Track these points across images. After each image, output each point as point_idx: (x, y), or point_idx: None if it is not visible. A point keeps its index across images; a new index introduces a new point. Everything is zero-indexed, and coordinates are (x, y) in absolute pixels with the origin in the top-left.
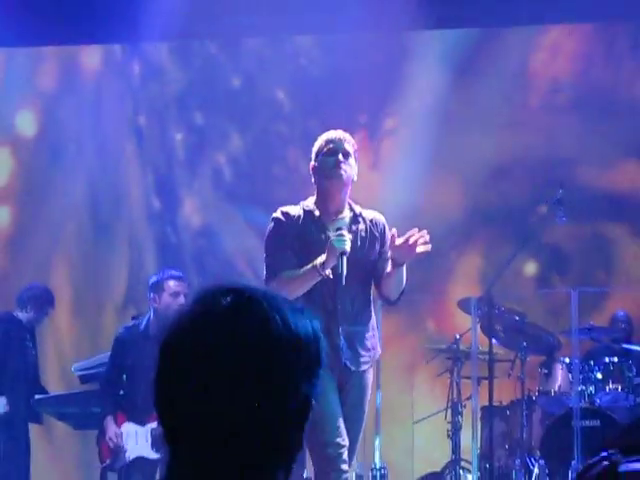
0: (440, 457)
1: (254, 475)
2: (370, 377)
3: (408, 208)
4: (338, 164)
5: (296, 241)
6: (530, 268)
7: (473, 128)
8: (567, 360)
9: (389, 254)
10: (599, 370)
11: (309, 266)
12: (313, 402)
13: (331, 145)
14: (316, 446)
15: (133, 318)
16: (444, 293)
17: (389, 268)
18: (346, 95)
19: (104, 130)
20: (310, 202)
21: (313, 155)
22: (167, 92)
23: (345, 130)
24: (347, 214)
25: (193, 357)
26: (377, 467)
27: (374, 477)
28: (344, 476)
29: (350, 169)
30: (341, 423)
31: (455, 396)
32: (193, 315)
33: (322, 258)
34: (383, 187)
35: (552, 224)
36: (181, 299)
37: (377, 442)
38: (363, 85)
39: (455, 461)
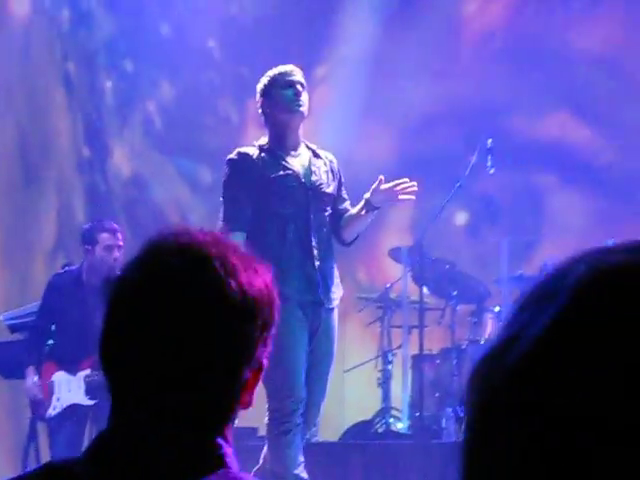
0: (371, 405)
1: (197, 433)
2: (337, 316)
3: (339, 156)
4: (297, 97)
5: (256, 181)
6: (461, 217)
7: (405, 76)
8: (497, 309)
9: (345, 193)
10: None
11: None
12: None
13: (287, 78)
14: (277, 395)
15: (64, 266)
16: (375, 243)
17: (361, 211)
18: (276, 43)
19: (33, 77)
20: (264, 141)
21: (263, 90)
22: (97, 39)
23: None
24: (304, 151)
25: (142, 317)
26: None
27: None
28: (297, 429)
29: (306, 102)
30: (302, 376)
31: (386, 345)
32: (141, 275)
33: None
34: (314, 135)
35: (482, 173)
36: (115, 253)
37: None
38: (294, 33)
39: (385, 409)
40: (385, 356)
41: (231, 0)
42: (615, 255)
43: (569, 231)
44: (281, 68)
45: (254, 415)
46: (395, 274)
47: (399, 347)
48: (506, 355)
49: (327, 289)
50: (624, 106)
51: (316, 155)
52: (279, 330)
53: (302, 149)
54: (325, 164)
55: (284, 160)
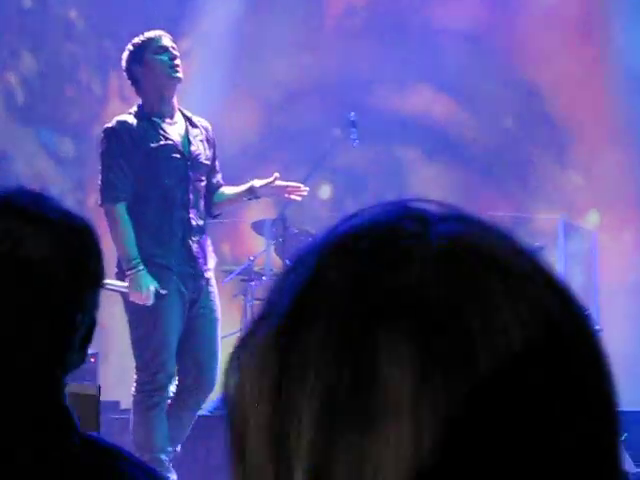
0: None
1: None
2: (216, 284)
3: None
4: (173, 61)
5: (136, 150)
6: (324, 190)
7: (268, 50)
8: None
9: (217, 165)
10: None
11: (132, 259)
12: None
13: (159, 43)
14: (147, 368)
15: None
16: (238, 215)
17: (242, 195)
18: (139, 15)
19: None
20: (138, 108)
21: (133, 56)
22: None
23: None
24: (180, 119)
25: None
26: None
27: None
28: (165, 404)
29: (181, 66)
30: (173, 352)
31: (249, 317)
32: None
33: (137, 273)
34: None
35: (346, 147)
36: None
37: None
38: (157, 6)
39: None
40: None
41: None
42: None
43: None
44: (150, 34)
45: (117, 389)
46: (259, 247)
47: None
48: (256, 333)
49: (205, 260)
50: (486, 81)
51: (192, 123)
52: (156, 305)
53: (178, 117)
54: (201, 132)
55: (162, 129)
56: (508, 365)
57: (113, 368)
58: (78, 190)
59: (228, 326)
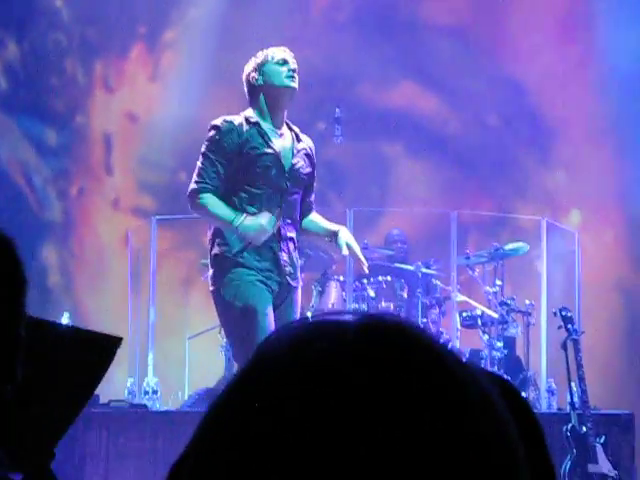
0: (214, 372)
1: None
2: (299, 298)
3: (186, 121)
4: (292, 74)
5: (238, 153)
6: None
7: (252, 42)
8: (341, 278)
9: (314, 185)
10: (372, 288)
11: (232, 218)
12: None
13: (282, 55)
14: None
15: None
16: None
17: (324, 235)
18: (125, 5)
19: None
20: (251, 113)
21: (257, 65)
22: None
23: (124, 42)
24: (287, 132)
25: None
26: (150, 382)
27: (146, 392)
28: None
29: (297, 80)
30: None
31: None
32: None
33: (244, 220)
34: (162, 99)
35: (329, 142)
36: None
37: (150, 357)
38: None
39: (228, 377)
40: None
41: None
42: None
43: (414, 201)
44: (274, 48)
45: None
46: None
47: None
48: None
49: (293, 269)
50: (470, 78)
51: (298, 138)
52: (249, 299)
53: (285, 129)
54: (305, 148)
55: (268, 138)
56: None
57: None
58: (60, 180)
59: (207, 320)
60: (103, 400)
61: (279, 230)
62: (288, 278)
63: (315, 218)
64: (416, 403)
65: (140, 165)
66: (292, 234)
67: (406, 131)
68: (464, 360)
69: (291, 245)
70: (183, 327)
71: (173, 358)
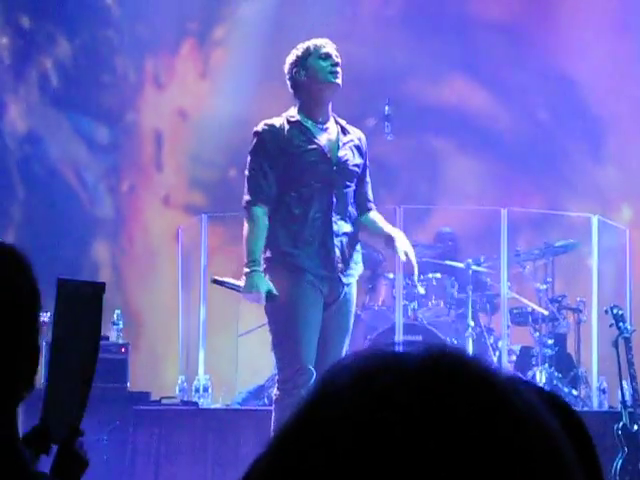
0: (264, 370)
1: None
2: (355, 292)
3: (237, 117)
4: (335, 67)
5: (281, 154)
6: None
7: (303, 39)
8: (391, 276)
9: (368, 176)
10: (422, 286)
11: (249, 261)
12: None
13: (324, 49)
14: (288, 367)
15: None
16: None
17: (382, 236)
18: (175, 2)
19: None
20: (293, 112)
21: (297, 60)
22: None
23: (175, 39)
24: (332, 125)
25: None
26: (201, 379)
27: (197, 389)
28: None
29: (341, 74)
30: (313, 350)
31: None
32: None
33: (253, 275)
34: (212, 96)
35: (380, 139)
36: None
37: (201, 354)
38: None
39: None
40: None
41: None
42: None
43: (464, 198)
44: (316, 40)
45: (147, 380)
46: None
47: None
48: None
49: (346, 265)
50: (521, 73)
51: (344, 130)
52: (294, 303)
53: (331, 123)
54: (353, 140)
55: (311, 134)
56: None
57: (143, 359)
58: (111, 176)
59: (258, 317)
60: (154, 397)
61: (331, 226)
62: (340, 275)
63: (375, 218)
64: (480, 447)
65: (190, 162)
66: (346, 229)
67: (456, 127)
68: (524, 389)
69: (344, 240)
70: (234, 324)
71: (224, 355)
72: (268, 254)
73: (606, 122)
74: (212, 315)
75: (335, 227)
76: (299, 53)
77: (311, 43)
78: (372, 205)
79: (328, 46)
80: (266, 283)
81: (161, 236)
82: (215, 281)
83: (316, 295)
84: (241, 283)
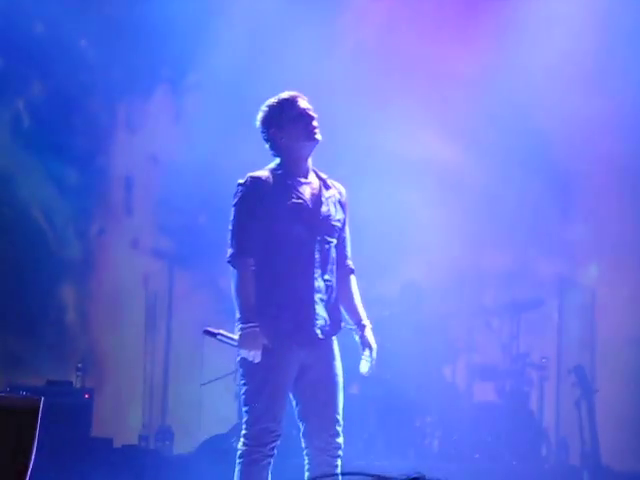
0: (228, 418)
1: None
2: (336, 347)
3: (208, 164)
4: (313, 126)
5: (266, 207)
6: None
7: (278, 87)
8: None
9: (347, 232)
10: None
11: (240, 317)
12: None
13: (297, 106)
14: (255, 424)
15: None
16: None
17: (358, 318)
18: (150, 47)
19: None
20: (275, 165)
21: (271, 120)
22: None
23: (148, 83)
24: (314, 179)
25: None
26: (162, 427)
27: (158, 438)
28: (267, 461)
29: (318, 127)
30: (283, 411)
31: None
32: None
33: (245, 334)
34: (184, 142)
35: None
36: None
37: (165, 402)
38: (169, 36)
39: (241, 424)
40: None
41: (105, 0)
42: None
43: (434, 251)
44: (286, 95)
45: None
46: None
47: None
48: None
49: (327, 322)
50: (497, 127)
51: (326, 185)
52: (270, 363)
53: (312, 177)
54: (334, 195)
55: (295, 188)
56: None
57: (107, 405)
58: (80, 219)
59: (223, 364)
60: (116, 444)
61: (313, 281)
62: (320, 333)
63: (352, 289)
64: None
65: (160, 206)
66: (328, 285)
67: (427, 178)
68: None
69: (325, 297)
70: (198, 371)
71: (188, 404)
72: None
73: (577, 178)
74: (176, 362)
75: (316, 283)
76: (272, 112)
77: (282, 99)
78: (350, 264)
79: (300, 101)
80: (263, 338)
81: (129, 280)
82: (208, 332)
83: (293, 356)
84: (235, 337)
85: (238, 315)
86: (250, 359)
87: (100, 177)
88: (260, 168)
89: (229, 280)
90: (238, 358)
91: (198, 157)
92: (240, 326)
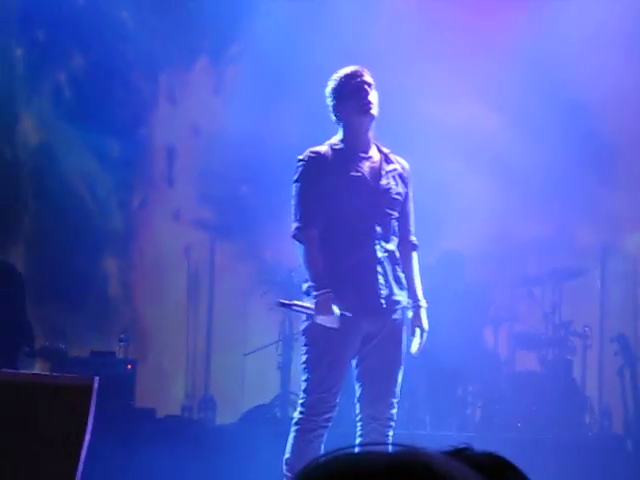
0: (270, 389)
1: None
2: (402, 320)
3: (249, 134)
4: (367, 99)
5: (326, 181)
6: None
7: (315, 57)
8: None
9: (410, 206)
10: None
11: (315, 285)
12: None
13: (359, 79)
14: (312, 392)
15: None
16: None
17: (414, 290)
18: (190, 19)
19: None
20: (336, 140)
21: (332, 93)
22: (8, 6)
23: (188, 55)
24: (375, 153)
25: None
26: (205, 397)
27: (201, 408)
28: (322, 431)
29: (376, 103)
30: (341, 382)
31: (287, 329)
32: None
33: (322, 300)
34: (225, 112)
35: None
36: None
37: (207, 372)
38: (209, 9)
39: (284, 394)
40: (286, 340)
41: None
42: None
43: (475, 220)
44: (348, 70)
45: (153, 396)
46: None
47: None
48: None
49: (390, 292)
50: (538, 97)
51: (387, 159)
52: (331, 333)
53: (373, 151)
54: (396, 169)
55: (354, 162)
56: None
57: (150, 375)
58: (123, 191)
59: (265, 336)
60: (159, 414)
61: (375, 253)
62: (384, 303)
63: (412, 266)
64: None
65: (202, 177)
66: (390, 257)
67: (466, 147)
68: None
69: (388, 268)
70: (241, 342)
71: (230, 374)
72: (306, 286)
73: (617, 147)
74: (219, 332)
75: (379, 254)
76: (333, 86)
77: (344, 73)
78: (413, 240)
79: (360, 76)
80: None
81: (171, 251)
82: (282, 304)
83: (355, 328)
84: (311, 305)
85: (310, 284)
86: (329, 325)
87: (142, 148)
88: (300, 138)
89: (271, 251)
90: (302, 327)
91: (239, 128)
92: (314, 293)
